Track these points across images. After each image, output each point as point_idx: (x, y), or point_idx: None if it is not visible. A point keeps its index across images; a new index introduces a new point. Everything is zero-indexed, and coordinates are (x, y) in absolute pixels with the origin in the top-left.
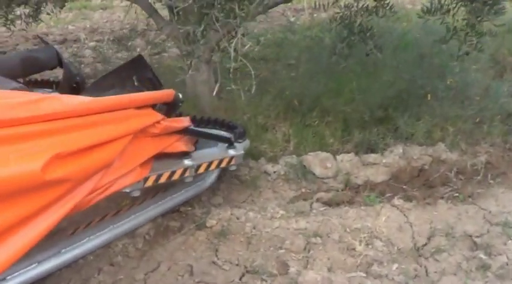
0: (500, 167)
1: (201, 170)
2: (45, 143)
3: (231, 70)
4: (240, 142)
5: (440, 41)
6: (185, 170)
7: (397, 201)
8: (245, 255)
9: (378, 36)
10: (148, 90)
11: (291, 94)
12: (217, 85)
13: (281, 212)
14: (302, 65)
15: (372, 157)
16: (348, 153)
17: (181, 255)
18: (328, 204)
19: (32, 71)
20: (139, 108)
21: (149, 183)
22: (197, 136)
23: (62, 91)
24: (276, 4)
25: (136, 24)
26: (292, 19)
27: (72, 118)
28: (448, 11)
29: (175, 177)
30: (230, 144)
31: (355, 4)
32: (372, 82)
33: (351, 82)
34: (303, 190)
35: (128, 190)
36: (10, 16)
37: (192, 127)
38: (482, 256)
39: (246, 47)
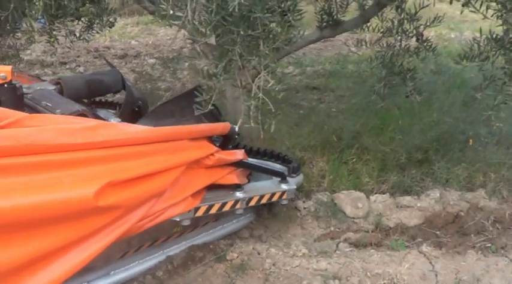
0: None
1: (252, 203)
2: (99, 170)
3: (251, 107)
4: (293, 177)
5: (476, 89)
6: (236, 202)
7: (425, 248)
8: None
9: (419, 78)
10: (208, 119)
11: (330, 128)
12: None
13: (304, 250)
14: (347, 98)
15: (406, 199)
16: (383, 193)
17: None
18: (355, 244)
19: (97, 93)
20: (195, 139)
21: (199, 213)
22: (250, 170)
23: (123, 115)
24: (310, 43)
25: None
26: (353, 49)
27: (127, 146)
28: (487, 58)
29: (226, 208)
30: (283, 178)
31: (398, 44)
32: (414, 123)
33: (393, 121)
34: (332, 228)
35: (178, 219)
36: (55, 33)
37: (245, 160)
38: None
39: (269, 86)
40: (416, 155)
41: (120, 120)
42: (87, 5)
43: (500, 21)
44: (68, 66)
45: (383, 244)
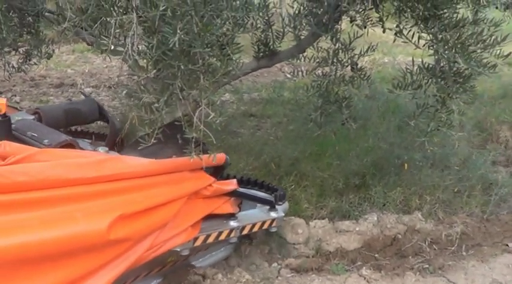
0: (475, 238)
1: (245, 231)
2: (109, 203)
3: (192, 139)
4: (280, 205)
5: (409, 117)
6: (231, 231)
7: (365, 271)
8: None
9: (354, 106)
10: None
11: (269, 155)
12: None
13: (247, 277)
14: (284, 125)
15: (345, 224)
16: (323, 218)
17: None
18: (297, 270)
19: (74, 123)
20: (193, 170)
21: (198, 242)
22: (243, 198)
23: (109, 145)
24: (247, 73)
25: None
26: (289, 75)
27: (134, 179)
28: (420, 86)
29: (222, 237)
30: (272, 206)
31: (333, 73)
32: (351, 148)
33: (330, 147)
34: (273, 255)
35: (178, 249)
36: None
37: (238, 189)
38: None
39: (210, 118)
40: (354, 180)
41: (107, 149)
42: (24, 36)
43: (431, 51)
44: (4, 96)
45: (324, 268)
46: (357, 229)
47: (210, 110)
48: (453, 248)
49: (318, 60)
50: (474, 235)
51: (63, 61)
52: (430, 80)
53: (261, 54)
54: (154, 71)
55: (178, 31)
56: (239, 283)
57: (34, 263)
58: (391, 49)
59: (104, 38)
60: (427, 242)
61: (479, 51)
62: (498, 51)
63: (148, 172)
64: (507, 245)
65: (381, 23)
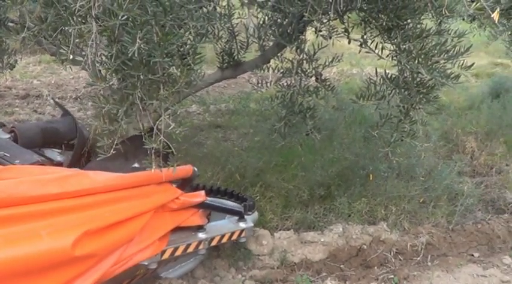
0: (441, 248)
1: (214, 243)
2: (74, 219)
3: (152, 150)
4: (249, 215)
5: (373, 127)
6: (199, 243)
7: (330, 282)
8: None
9: (319, 116)
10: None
11: (234, 166)
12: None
13: None
14: (250, 136)
15: (310, 235)
16: (288, 230)
17: None
18: (261, 281)
19: (52, 142)
20: (159, 183)
21: (166, 255)
22: (211, 210)
23: (75, 157)
24: (211, 84)
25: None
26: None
27: (99, 194)
28: (383, 96)
29: (190, 249)
30: (241, 216)
31: (297, 84)
32: (316, 159)
33: (296, 158)
34: (238, 267)
35: (146, 263)
36: None
37: (206, 201)
38: None
39: (170, 128)
40: (319, 191)
41: (64, 157)
42: None
43: (395, 61)
44: None
45: (288, 279)
46: (322, 240)
47: (170, 121)
48: (418, 258)
49: (282, 70)
50: (439, 245)
51: (29, 72)
52: (393, 91)
53: (226, 64)
54: (113, 80)
55: (138, 40)
56: None
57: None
58: (359, 60)
59: (63, 47)
60: (392, 253)
61: (442, 61)
62: (462, 62)
63: (114, 187)
64: (472, 255)
65: (346, 33)
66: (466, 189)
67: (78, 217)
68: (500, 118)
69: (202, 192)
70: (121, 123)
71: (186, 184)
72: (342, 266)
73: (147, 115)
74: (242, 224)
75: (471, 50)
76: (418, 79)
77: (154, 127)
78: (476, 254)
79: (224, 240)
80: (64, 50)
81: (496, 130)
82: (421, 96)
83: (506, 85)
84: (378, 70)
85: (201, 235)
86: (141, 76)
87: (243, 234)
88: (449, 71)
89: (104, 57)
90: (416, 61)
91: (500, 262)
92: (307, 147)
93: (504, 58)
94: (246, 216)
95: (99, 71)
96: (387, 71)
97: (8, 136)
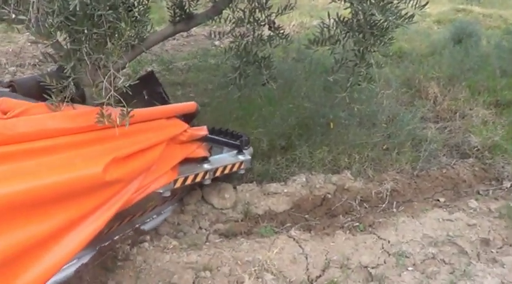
0: (406, 195)
1: (218, 173)
2: (102, 148)
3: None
4: (246, 149)
5: (328, 72)
6: (206, 173)
7: (294, 232)
8: None
9: (274, 66)
10: (157, 103)
11: (196, 122)
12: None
13: (174, 243)
14: (210, 92)
15: (273, 186)
16: (250, 182)
17: None
18: (225, 235)
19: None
20: (169, 118)
21: (178, 184)
22: (213, 143)
23: None
24: (164, 38)
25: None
26: (216, 42)
27: (121, 126)
28: (338, 41)
29: (198, 179)
30: (239, 150)
31: (251, 34)
32: (276, 110)
33: (256, 110)
34: (201, 221)
35: (161, 191)
36: None
37: (210, 135)
38: None
39: (120, 82)
40: (280, 141)
41: None
42: None
43: (348, 4)
44: None
45: (253, 232)
46: (285, 190)
47: (119, 75)
48: (383, 205)
49: (233, 20)
50: (405, 191)
51: None
52: (347, 34)
53: (177, 18)
54: (59, 37)
55: None
56: (166, 250)
57: (40, 206)
58: (319, 12)
59: (4, 7)
60: (357, 201)
61: (395, 2)
62: (416, 1)
63: (132, 120)
64: (438, 200)
65: None
66: (429, 134)
67: (105, 147)
68: (462, 62)
69: (205, 127)
70: (69, 80)
71: (191, 118)
72: (306, 216)
73: (98, 72)
74: (241, 157)
75: None
76: (372, 21)
77: (104, 82)
78: (442, 199)
79: (226, 171)
80: (5, 9)
81: (458, 75)
82: (375, 38)
83: (468, 30)
84: (328, 13)
85: (206, 166)
86: (85, 31)
87: (242, 166)
88: (403, 12)
89: (45, 16)
90: (369, 2)
91: (466, 205)
92: (267, 99)
93: (466, 4)
94: (243, 150)
95: (44, 27)
96: (339, 14)
97: (8, 89)
